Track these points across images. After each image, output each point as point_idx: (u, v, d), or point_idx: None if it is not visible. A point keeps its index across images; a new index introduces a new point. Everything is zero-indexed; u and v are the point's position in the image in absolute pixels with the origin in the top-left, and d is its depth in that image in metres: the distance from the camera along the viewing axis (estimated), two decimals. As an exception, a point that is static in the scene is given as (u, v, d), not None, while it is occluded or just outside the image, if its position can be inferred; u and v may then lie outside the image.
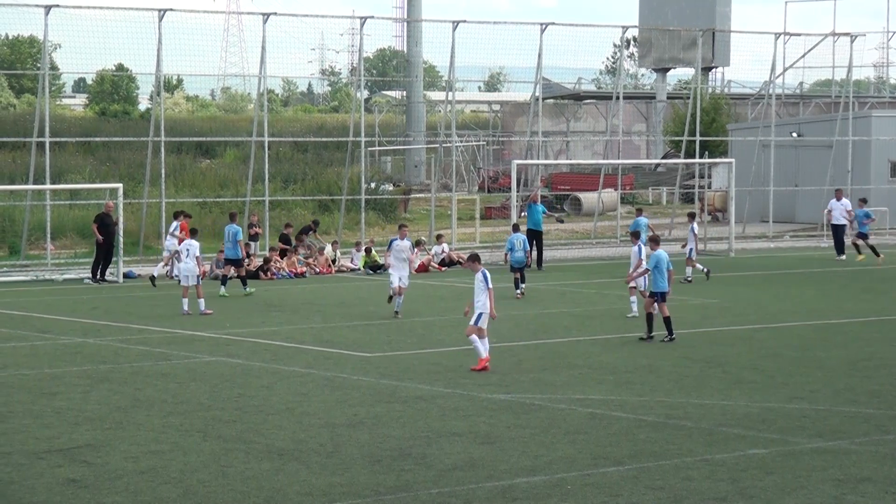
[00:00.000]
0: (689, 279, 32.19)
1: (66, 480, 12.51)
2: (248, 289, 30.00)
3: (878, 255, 37.51)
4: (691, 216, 34.47)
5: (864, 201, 40.24)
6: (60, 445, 14.03)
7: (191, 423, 15.19)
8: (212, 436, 14.53)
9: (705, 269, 32.53)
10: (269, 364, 19.75)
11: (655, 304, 22.12)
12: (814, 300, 28.91)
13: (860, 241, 38.41)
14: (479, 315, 18.92)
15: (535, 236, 35.01)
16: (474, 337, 18.89)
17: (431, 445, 13.96)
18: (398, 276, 25.34)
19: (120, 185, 35.11)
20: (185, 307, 25.93)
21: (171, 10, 37.47)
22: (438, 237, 38.24)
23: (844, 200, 40.03)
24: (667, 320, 22.00)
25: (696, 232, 33.51)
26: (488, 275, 19.01)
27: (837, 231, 40.00)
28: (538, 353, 20.91)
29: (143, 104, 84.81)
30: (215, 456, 13.52)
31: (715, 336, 22.93)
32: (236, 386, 17.72)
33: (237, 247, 30.29)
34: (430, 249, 37.54)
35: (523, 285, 29.01)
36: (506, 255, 30.22)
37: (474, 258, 19.66)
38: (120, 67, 62.84)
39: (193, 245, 26.54)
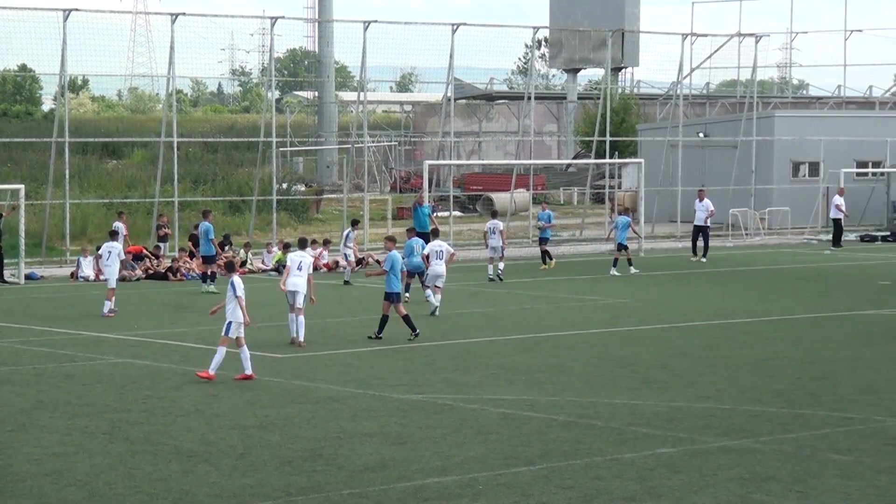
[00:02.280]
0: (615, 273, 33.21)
1: (-33, 486, 12.26)
2: (209, 287, 29.99)
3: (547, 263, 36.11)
4: (626, 210, 35.74)
5: (627, 210, 37.48)
6: (-38, 450, 13.75)
7: (96, 425, 14.98)
8: (118, 438, 14.34)
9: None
10: (178, 365, 19.54)
11: (392, 306, 22.02)
12: (720, 300, 29.34)
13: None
14: (229, 324, 18.11)
15: (422, 238, 35.56)
16: (222, 348, 18.00)
17: (343, 446, 13.93)
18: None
19: (21, 186, 34.46)
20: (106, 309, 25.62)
21: (77, 10, 36.91)
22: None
23: (706, 201, 40.09)
24: (406, 319, 22.03)
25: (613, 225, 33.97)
26: (238, 282, 18.26)
27: (696, 232, 39.87)
28: (450, 353, 20.95)
29: (47, 105, 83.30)
30: (122, 458, 13.35)
31: (625, 336, 23.17)
32: (144, 388, 17.51)
33: (210, 244, 30.76)
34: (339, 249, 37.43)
35: (408, 295, 27.19)
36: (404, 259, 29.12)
37: (229, 266, 19.05)
38: (23, 68, 61.70)
39: (115, 247, 26.79)
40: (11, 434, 14.51)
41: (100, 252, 27.68)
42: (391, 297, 22.13)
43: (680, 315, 26.17)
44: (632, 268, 34.81)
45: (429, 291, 26.32)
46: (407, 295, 27.21)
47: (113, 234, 28.77)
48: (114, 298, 25.86)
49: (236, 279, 18.43)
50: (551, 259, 36.45)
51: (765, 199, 50.27)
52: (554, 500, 11.83)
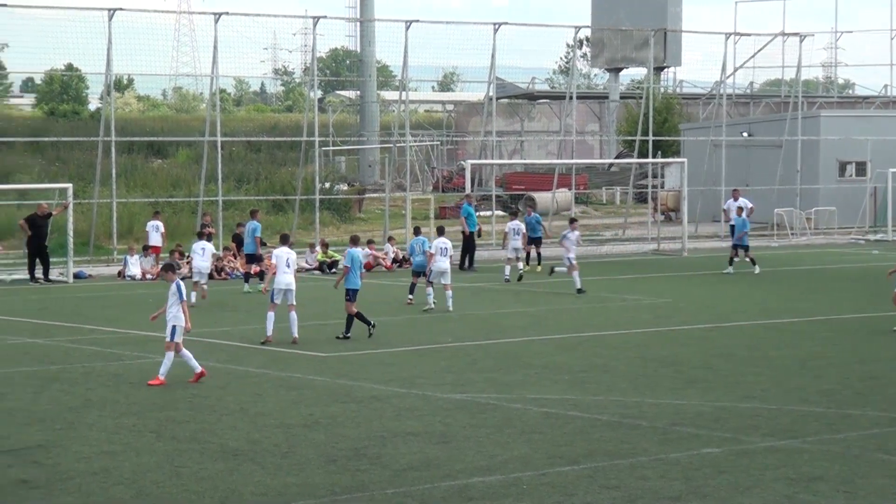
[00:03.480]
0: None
1: (16, 481, 12.38)
2: (248, 287, 30.41)
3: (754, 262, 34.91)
4: (572, 222, 32.51)
5: (741, 209, 36.54)
6: (10, 446, 13.87)
7: (144, 424, 15.08)
8: (165, 436, 14.43)
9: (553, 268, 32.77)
10: (223, 364, 19.64)
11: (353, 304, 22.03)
12: (765, 300, 29.13)
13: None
14: (174, 328, 17.71)
15: (469, 239, 36.08)
16: (171, 353, 17.72)
17: (387, 445, 13.94)
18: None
19: (70, 185, 34.80)
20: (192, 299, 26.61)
21: (121, 9, 37.20)
22: (391, 238, 38.36)
23: (742, 200, 39.73)
24: (358, 316, 22.07)
25: (571, 239, 31.24)
26: (182, 286, 17.99)
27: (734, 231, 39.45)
28: (493, 352, 20.93)
29: (94, 104, 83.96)
30: (169, 456, 13.43)
31: (668, 336, 23.06)
32: (190, 386, 17.60)
33: (254, 243, 31.14)
34: (383, 249, 37.57)
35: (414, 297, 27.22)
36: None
37: (167, 268, 18.40)
38: (69, 67, 62.26)
39: (207, 245, 28.52)
40: (60, 432, 14.63)
41: (193, 249, 28.98)
42: (350, 294, 22.07)
43: (724, 315, 26.01)
44: (731, 268, 34.68)
45: (430, 290, 26.34)
46: (410, 297, 27.20)
47: (200, 234, 29.61)
48: (194, 294, 27.07)
49: (181, 283, 17.96)
50: (537, 263, 35.79)
51: (811, 198, 49.90)
52: (598, 499, 11.78)
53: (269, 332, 21.52)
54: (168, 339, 17.84)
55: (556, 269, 31.78)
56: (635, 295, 29.62)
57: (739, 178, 48.49)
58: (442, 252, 26.45)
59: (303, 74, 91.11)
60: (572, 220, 32.33)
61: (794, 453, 13.58)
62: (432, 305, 26.10)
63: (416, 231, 28.45)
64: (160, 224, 35.23)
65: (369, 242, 36.67)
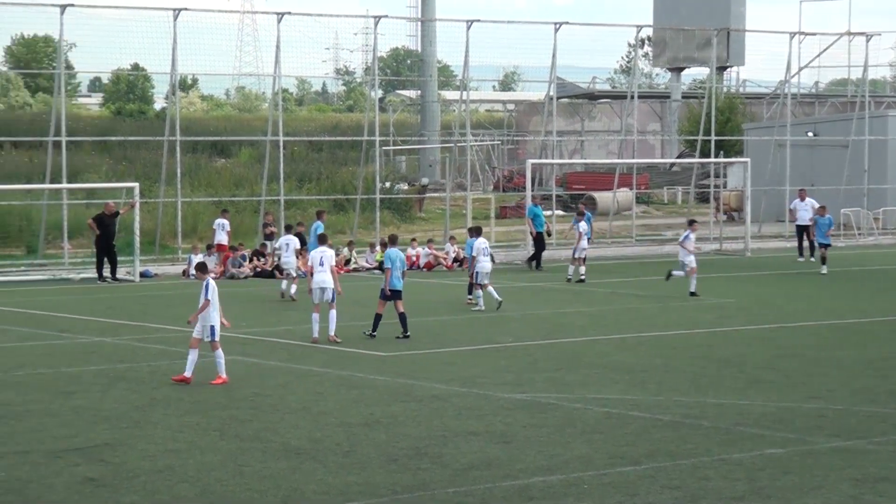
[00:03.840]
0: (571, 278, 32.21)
1: (83, 479, 12.54)
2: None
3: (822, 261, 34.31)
4: (691, 223, 31.66)
5: (823, 209, 36.19)
6: (78, 444, 14.06)
7: (207, 422, 15.21)
8: (228, 435, 14.55)
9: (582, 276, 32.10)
10: (284, 363, 19.77)
11: (385, 303, 22.04)
12: (830, 299, 28.81)
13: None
14: (212, 328, 17.69)
15: (538, 241, 36.01)
16: (195, 351, 17.56)
17: (447, 445, 13.95)
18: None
19: (136, 185, 35.20)
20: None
21: (186, 9, 37.56)
22: (451, 238, 38.37)
23: (809, 200, 39.23)
24: (400, 316, 21.99)
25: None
26: (211, 285, 17.68)
27: (800, 232, 39.06)
28: (553, 352, 20.88)
29: (159, 103, 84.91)
30: (232, 455, 13.54)
31: (731, 336, 22.87)
32: (252, 385, 17.74)
33: (317, 242, 31.06)
34: (444, 249, 37.64)
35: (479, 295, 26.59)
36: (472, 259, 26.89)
37: (201, 268, 18.27)
38: (135, 67, 62.98)
39: (293, 240, 29.32)
40: (126, 431, 14.80)
41: (277, 244, 30.50)
42: (388, 295, 21.95)
43: (788, 315, 25.75)
44: (824, 267, 34.45)
45: (479, 292, 26.30)
46: (470, 297, 27.13)
47: (288, 228, 31.02)
48: (294, 286, 28.42)
49: (211, 282, 17.86)
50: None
51: (879, 198, 49.28)
52: (660, 500, 11.72)
53: (315, 333, 21.68)
54: (213, 339, 17.72)
55: (674, 272, 29.74)
56: (698, 295, 29.38)
57: (804, 178, 47.97)
58: (484, 252, 26.45)
59: (364, 74, 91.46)
60: (692, 222, 30.75)
61: (861, 454, 13.42)
62: (482, 307, 26.07)
63: (476, 232, 27.79)
64: (226, 222, 35.67)
65: (429, 242, 36.69)
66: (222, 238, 35.26)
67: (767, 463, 13.07)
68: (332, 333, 21.65)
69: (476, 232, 27.29)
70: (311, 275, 21.91)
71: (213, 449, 13.81)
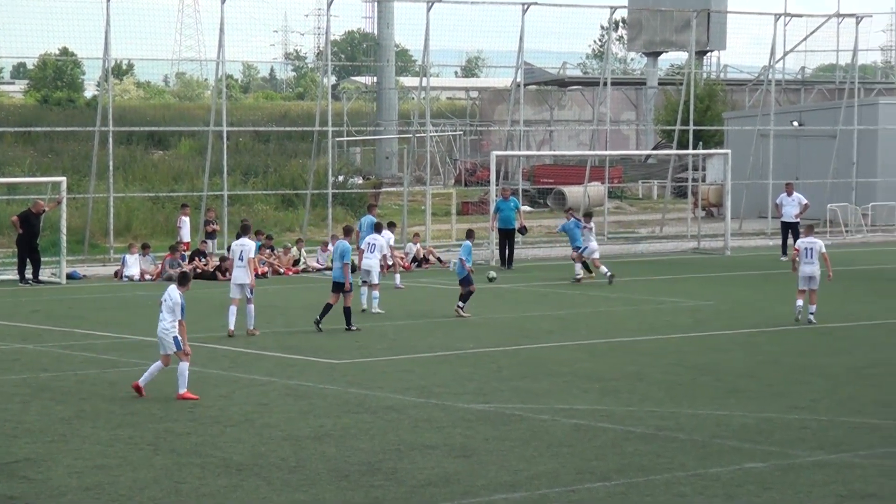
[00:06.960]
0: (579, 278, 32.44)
1: (3, 498, 12.47)
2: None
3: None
4: (587, 217, 33.78)
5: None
6: (-2, 460, 13.98)
7: (141, 436, 15.16)
8: (164, 449, 14.51)
9: (608, 273, 32.07)
10: (227, 371, 19.73)
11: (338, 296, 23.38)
12: (816, 302, 29.00)
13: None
14: (175, 338, 17.68)
15: (507, 236, 35.94)
16: (183, 363, 17.57)
17: (403, 459, 13.98)
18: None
19: (63, 179, 34.97)
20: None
21: (121, -10, 37.39)
22: (416, 235, 38.31)
23: (796, 195, 39.53)
24: (328, 308, 23.42)
25: (587, 227, 33.08)
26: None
27: (786, 229, 39.30)
28: (518, 359, 20.96)
29: (90, 91, 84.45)
30: (168, 471, 13.50)
31: (709, 341, 23.04)
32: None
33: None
34: (404, 248, 37.63)
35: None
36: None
37: (185, 280, 18.18)
38: (64, 52, 62.66)
39: (378, 240, 26.67)
40: (51, 445, 14.73)
41: (363, 245, 27.61)
42: (338, 287, 23.33)
43: (770, 319, 25.97)
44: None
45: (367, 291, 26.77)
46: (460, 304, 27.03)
47: (378, 227, 28.15)
48: (377, 295, 26.32)
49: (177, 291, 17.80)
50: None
51: (868, 193, 49.65)
52: (632, 519, 11.80)
53: (231, 326, 22.75)
54: (177, 350, 17.63)
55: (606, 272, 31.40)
56: (673, 297, 29.58)
57: (788, 171, 48.30)
58: (370, 248, 26.27)
59: (315, 59, 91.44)
60: (587, 215, 33.28)
61: (846, 468, 13.55)
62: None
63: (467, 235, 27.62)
64: (188, 219, 36.01)
65: (390, 224, 34.91)
66: (188, 235, 35.73)
67: (747, 478, 13.18)
68: (249, 327, 22.94)
69: (468, 235, 27.72)
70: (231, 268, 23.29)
71: (147, 465, 13.77)
